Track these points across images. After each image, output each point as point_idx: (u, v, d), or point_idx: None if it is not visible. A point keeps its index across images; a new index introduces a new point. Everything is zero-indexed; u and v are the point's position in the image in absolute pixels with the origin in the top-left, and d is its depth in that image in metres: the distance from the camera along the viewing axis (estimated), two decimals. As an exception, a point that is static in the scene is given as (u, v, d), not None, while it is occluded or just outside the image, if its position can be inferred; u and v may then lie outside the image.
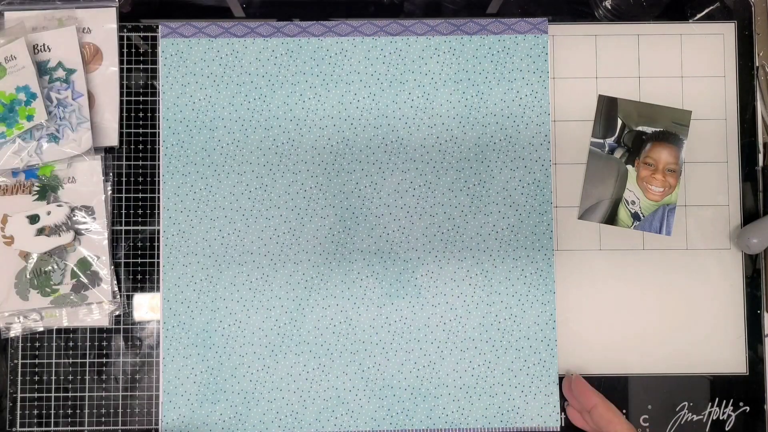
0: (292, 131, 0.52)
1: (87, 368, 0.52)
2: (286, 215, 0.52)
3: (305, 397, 0.51)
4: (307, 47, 0.53)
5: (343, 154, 0.52)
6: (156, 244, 0.53)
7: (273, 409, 0.51)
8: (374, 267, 0.52)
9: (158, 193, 0.53)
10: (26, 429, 0.52)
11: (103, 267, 0.52)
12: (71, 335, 0.52)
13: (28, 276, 0.51)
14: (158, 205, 0.53)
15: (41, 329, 0.52)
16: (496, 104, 0.53)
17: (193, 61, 0.53)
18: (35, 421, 0.52)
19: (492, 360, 0.51)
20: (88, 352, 0.52)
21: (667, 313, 0.53)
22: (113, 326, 0.53)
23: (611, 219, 0.53)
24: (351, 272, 0.52)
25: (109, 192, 0.53)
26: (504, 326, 0.52)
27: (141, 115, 0.54)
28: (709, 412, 0.52)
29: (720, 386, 0.52)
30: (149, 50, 0.54)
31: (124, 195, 0.53)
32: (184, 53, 0.53)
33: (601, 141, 0.54)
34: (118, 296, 0.52)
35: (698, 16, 0.55)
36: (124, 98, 0.54)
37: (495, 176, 0.52)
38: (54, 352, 0.52)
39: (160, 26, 0.53)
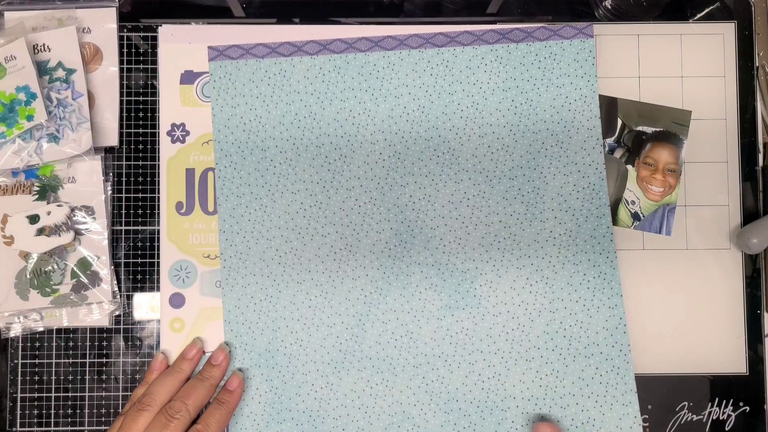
0: (343, 147, 0.52)
1: (87, 368, 0.52)
2: (342, 231, 0.52)
3: (370, 413, 0.50)
4: (354, 63, 0.52)
5: (395, 168, 0.52)
6: (156, 244, 0.53)
7: (339, 426, 0.50)
8: (432, 279, 0.51)
9: (158, 192, 0.53)
10: (26, 429, 0.52)
11: (103, 267, 0.52)
12: (71, 335, 0.52)
13: (28, 276, 0.51)
14: (158, 205, 0.53)
15: (41, 329, 0.52)
16: (546, 110, 0.52)
17: (242, 83, 0.52)
18: (35, 421, 0.52)
19: (560, 369, 0.50)
20: (88, 352, 0.52)
21: (667, 313, 0.53)
22: (113, 326, 0.53)
23: (611, 219, 0.53)
24: (409, 285, 0.51)
25: (109, 192, 0.53)
26: (570, 333, 0.50)
27: (141, 115, 0.54)
28: (709, 412, 0.52)
29: (720, 386, 0.52)
30: (149, 50, 0.54)
31: (124, 195, 0.53)
32: (232, 75, 0.52)
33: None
34: (118, 296, 0.52)
35: (698, 16, 0.55)
36: (124, 98, 0.54)
37: (549, 182, 0.52)
38: (54, 352, 0.52)
39: (208, 49, 0.53)
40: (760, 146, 0.54)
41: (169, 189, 0.53)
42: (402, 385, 0.51)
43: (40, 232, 0.51)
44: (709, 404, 0.52)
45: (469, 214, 0.52)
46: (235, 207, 0.52)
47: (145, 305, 0.53)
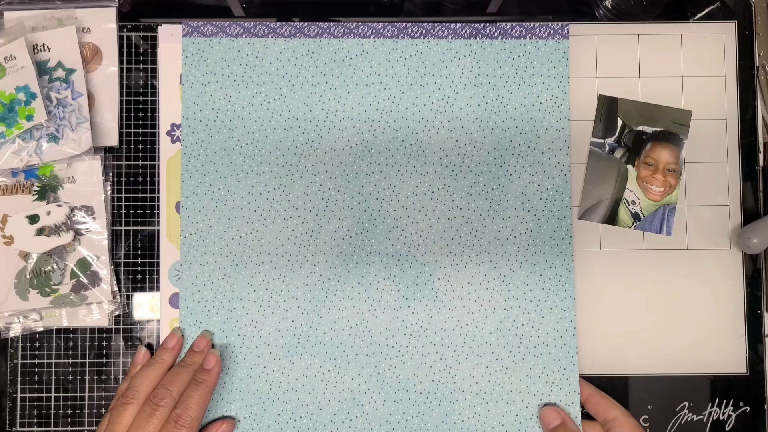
0: (311, 132, 0.52)
1: (87, 368, 0.52)
2: (304, 216, 0.52)
3: (320, 398, 0.51)
4: (327, 48, 0.52)
5: (362, 156, 0.52)
6: (156, 244, 0.53)
7: (288, 410, 0.51)
8: (391, 269, 0.52)
9: (158, 192, 0.53)
10: (26, 429, 0.52)
11: (103, 267, 0.52)
12: (71, 335, 0.52)
13: (27, 276, 0.51)
14: (158, 205, 0.53)
15: (41, 329, 0.52)
16: (516, 108, 0.52)
17: (213, 61, 0.52)
18: (35, 421, 0.52)
19: (509, 366, 0.51)
20: (87, 352, 0.52)
21: (668, 313, 0.53)
22: (113, 326, 0.53)
23: (611, 219, 0.53)
24: (368, 274, 0.52)
25: (109, 192, 0.53)
26: (522, 332, 0.51)
27: (140, 114, 0.54)
28: (710, 413, 0.52)
29: (720, 386, 0.52)
30: (149, 50, 0.54)
31: (123, 195, 0.53)
32: (204, 52, 0.52)
33: (602, 141, 0.53)
34: (118, 296, 0.52)
35: (698, 15, 0.55)
36: (124, 98, 0.54)
37: (514, 180, 0.52)
38: (54, 352, 0.52)
39: (183, 25, 0.52)
40: (761, 146, 0.54)
41: (169, 189, 0.53)
42: (354, 372, 0.51)
43: (40, 232, 0.51)
44: (710, 404, 0.52)
45: (432, 207, 0.52)
46: (199, 185, 0.52)
47: (145, 305, 0.53)
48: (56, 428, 0.52)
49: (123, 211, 0.53)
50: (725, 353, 0.52)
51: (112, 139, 0.53)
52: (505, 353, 0.51)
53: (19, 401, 0.52)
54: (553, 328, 0.51)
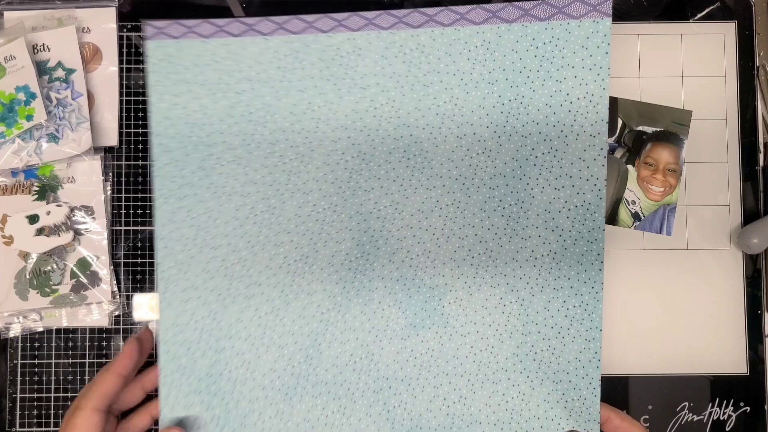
0: (301, 146, 0.46)
1: (87, 368, 0.52)
2: (297, 241, 0.46)
3: None
4: (314, 46, 0.46)
5: (359, 171, 0.46)
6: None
7: None
8: (397, 295, 0.46)
9: (158, 193, 0.53)
10: (26, 429, 0.52)
11: (103, 267, 0.52)
12: (71, 335, 0.52)
13: (27, 276, 0.51)
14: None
15: (41, 329, 0.52)
16: (540, 110, 0.45)
17: (184, 67, 0.46)
18: (35, 421, 0.52)
19: (527, 392, 0.46)
20: (87, 352, 0.52)
21: (668, 313, 0.53)
22: (113, 326, 0.53)
23: (611, 219, 0.53)
24: (371, 302, 0.46)
25: (109, 192, 0.53)
26: (540, 357, 0.46)
27: (140, 114, 0.54)
28: (710, 413, 0.52)
29: (720, 386, 0.52)
30: (149, 50, 0.54)
31: (123, 195, 0.53)
32: (173, 57, 0.46)
33: (602, 141, 0.53)
34: (118, 296, 0.52)
35: (699, 15, 0.55)
36: (124, 98, 0.54)
37: (535, 195, 0.45)
38: (54, 353, 0.52)
39: (146, 27, 0.47)
40: (761, 146, 0.54)
41: (169, 189, 0.52)
42: (361, 412, 0.46)
43: (40, 232, 0.51)
44: (710, 404, 0.52)
45: (441, 225, 0.46)
46: (176, 211, 0.46)
47: (145, 305, 0.53)
48: (56, 428, 0.52)
49: (123, 211, 0.53)
50: (725, 353, 0.52)
51: (112, 139, 0.53)
52: (521, 379, 0.46)
53: (18, 401, 0.52)
54: (575, 358, 0.46)
